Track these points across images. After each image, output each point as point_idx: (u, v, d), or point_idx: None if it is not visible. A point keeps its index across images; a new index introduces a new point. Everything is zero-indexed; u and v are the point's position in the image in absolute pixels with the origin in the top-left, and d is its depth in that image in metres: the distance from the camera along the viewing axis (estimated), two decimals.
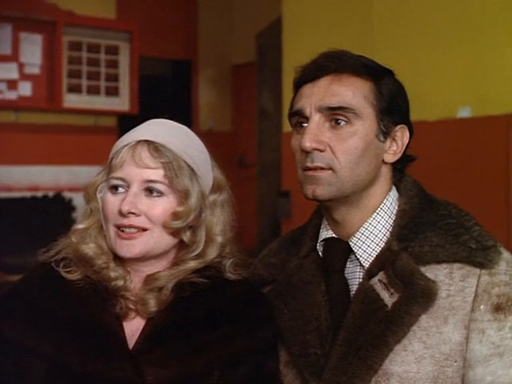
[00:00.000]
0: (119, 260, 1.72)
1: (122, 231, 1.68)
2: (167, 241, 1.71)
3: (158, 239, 1.70)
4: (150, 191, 1.68)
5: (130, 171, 1.68)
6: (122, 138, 1.75)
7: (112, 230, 1.70)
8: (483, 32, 4.37)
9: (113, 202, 1.69)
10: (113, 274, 1.70)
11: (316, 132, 1.69)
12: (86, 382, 1.61)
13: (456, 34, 4.51)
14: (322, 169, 1.69)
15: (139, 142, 1.70)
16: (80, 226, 1.75)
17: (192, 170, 1.71)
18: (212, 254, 1.75)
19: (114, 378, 1.60)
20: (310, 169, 1.70)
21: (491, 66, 4.33)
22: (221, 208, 1.78)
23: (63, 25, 6.54)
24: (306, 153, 1.70)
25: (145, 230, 1.68)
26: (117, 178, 1.69)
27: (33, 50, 6.47)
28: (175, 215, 1.68)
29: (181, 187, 1.69)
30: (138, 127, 1.77)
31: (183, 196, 1.69)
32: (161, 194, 1.68)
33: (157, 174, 1.68)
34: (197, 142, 1.77)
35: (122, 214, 1.67)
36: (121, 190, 1.69)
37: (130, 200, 1.66)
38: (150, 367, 1.61)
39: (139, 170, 1.68)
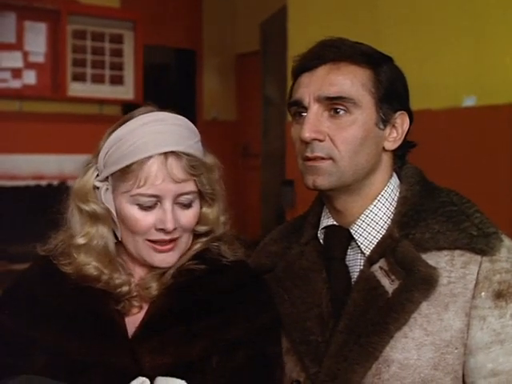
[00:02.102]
0: (122, 256, 1.74)
1: (156, 243, 1.69)
2: (191, 238, 1.75)
3: (187, 242, 1.73)
4: (181, 202, 1.68)
5: (164, 187, 1.65)
6: (129, 143, 1.66)
7: (144, 244, 1.69)
8: (488, 21, 4.36)
9: (145, 218, 1.67)
10: (118, 282, 1.70)
11: (315, 122, 1.69)
12: (84, 369, 1.61)
13: (461, 23, 4.50)
14: (322, 159, 1.69)
15: (166, 153, 1.65)
16: (80, 242, 1.71)
17: (205, 164, 1.72)
18: (218, 231, 1.78)
19: (112, 366, 1.61)
20: (309, 159, 1.70)
21: (496, 54, 4.32)
22: (218, 185, 1.79)
23: (67, 13, 6.53)
24: (306, 143, 1.69)
25: (178, 238, 1.70)
26: (150, 196, 1.65)
27: (37, 39, 6.46)
28: (204, 219, 1.74)
29: (210, 192, 1.73)
30: (145, 128, 1.67)
31: (210, 198, 1.74)
32: (192, 201, 1.70)
33: (189, 185, 1.68)
34: (195, 129, 1.75)
35: (165, 232, 1.67)
36: (149, 203, 1.67)
37: (171, 217, 1.65)
38: (146, 354, 1.62)
39: (174, 185, 1.65)
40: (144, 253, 1.69)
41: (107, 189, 1.70)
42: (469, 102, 4.48)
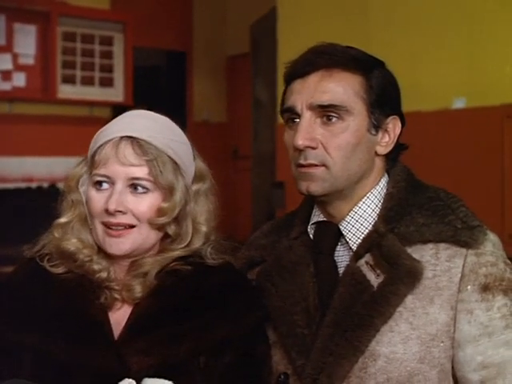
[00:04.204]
0: (103, 252, 1.72)
1: (110, 229, 1.67)
2: (154, 236, 1.71)
3: (145, 235, 1.70)
4: (134, 188, 1.67)
5: (114, 169, 1.67)
6: (102, 131, 1.73)
7: (99, 227, 1.69)
8: (479, 23, 4.37)
9: (98, 199, 1.68)
10: (96, 267, 1.70)
11: (308, 129, 1.70)
12: (70, 371, 1.61)
13: (452, 25, 4.51)
14: (316, 165, 1.70)
15: (122, 137, 1.68)
16: (62, 220, 1.74)
17: (176, 163, 1.70)
18: (197, 243, 1.75)
19: (98, 368, 1.60)
20: (303, 166, 1.71)
21: (486, 56, 4.34)
22: (204, 197, 1.78)
23: (57, 15, 6.53)
24: (299, 150, 1.70)
25: (132, 226, 1.68)
26: (101, 175, 1.68)
27: (27, 41, 6.46)
28: (160, 211, 1.68)
29: (165, 183, 1.68)
30: (119, 119, 1.75)
31: (168, 192, 1.69)
32: (146, 190, 1.68)
33: (141, 171, 1.67)
34: (179, 133, 1.76)
35: (108, 213, 1.66)
36: (105, 186, 1.68)
37: (116, 198, 1.65)
38: (133, 356, 1.61)
39: (123, 167, 1.66)
40: (100, 237, 1.69)
41: (85, 179, 1.74)
42: (459, 103, 4.50)
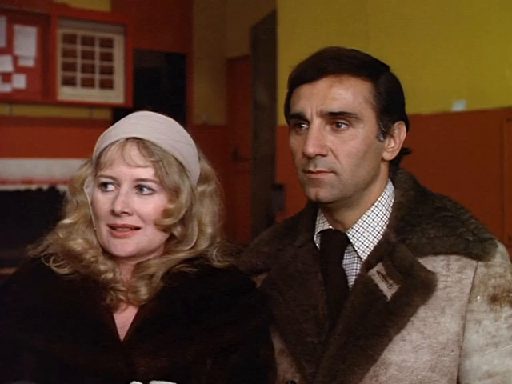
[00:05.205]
0: (108, 253, 1.72)
1: (115, 230, 1.68)
2: (159, 237, 1.72)
3: (150, 237, 1.70)
4: (140, 189, 1.68)
5: (119, 170, 1.67)
6: (108, 133, 1.73)
7: (104, 229, 1.70)
8: (478, 25, 4.37)
9: (103, 200, 1.69)
10: (102, 267, 1.70)
11: (318, 137, 1.69)
12: (76, 373, 1.61)
13: (451, 28, 4.51)
14: (325, 172, 1.70)
15: (128, 139, 1.69)
16: (67, 221, 1.74)
17: (181, 165, 1.71)
18: (203, 244, 1.75)
19: (105, 370, 1.60)
20: (312, 172, 1.71)
21: (486, 59, 4.34)
22: (209, 198, 1.79)
23: (57, 17, 6.53)
24: (309, 157, 1.70)
25: (138, 228, 1.68)
26: (106, 177, 1.69)
27: (27, 43, 6.46)
28: (166, 213, 1.69)
29: (171, 185, 1.69)
30: (125, 121, 1.75)
31: (174, 193, 1.70)
32: (152, 191, 1.68)
33: (147, 172, 1.67)
34: (184, 134, 1.77)
35: (114, 214, 1.66)
36: (110, 187, 1.69)
37: (122, 200, 1.66)
38: (140, 358, 1.62)
39: (129, 169, 1.67)
40: (104, 238, 1.70)
41: (90, 181, 1.74)
42: (458, 106, 4.50)
